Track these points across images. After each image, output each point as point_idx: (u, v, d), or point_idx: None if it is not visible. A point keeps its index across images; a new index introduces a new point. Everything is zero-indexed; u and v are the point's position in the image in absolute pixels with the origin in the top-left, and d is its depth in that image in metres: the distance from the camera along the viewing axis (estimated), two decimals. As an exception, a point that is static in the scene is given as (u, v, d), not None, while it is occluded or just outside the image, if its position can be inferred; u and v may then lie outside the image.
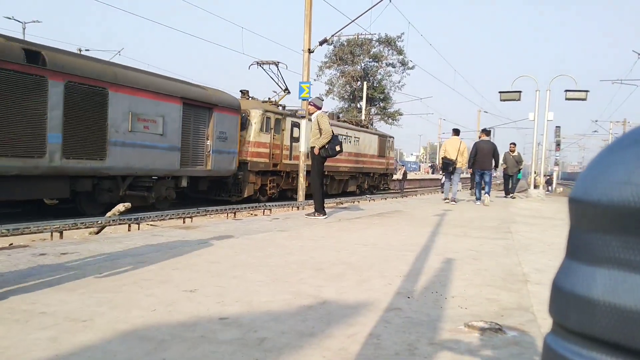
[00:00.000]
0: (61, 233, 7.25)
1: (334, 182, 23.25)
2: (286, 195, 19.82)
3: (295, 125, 19.47)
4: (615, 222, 0.50)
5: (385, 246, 5.35)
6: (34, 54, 10.10)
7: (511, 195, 18.11)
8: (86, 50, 25.73)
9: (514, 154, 18.20)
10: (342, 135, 23.31)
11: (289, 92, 20.26)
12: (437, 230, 6.90)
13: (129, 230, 8.89)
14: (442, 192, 16.54)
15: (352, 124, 26.48)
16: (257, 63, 19.42)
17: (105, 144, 11.74)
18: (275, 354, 2.10)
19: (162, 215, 10.79)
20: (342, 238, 5.87)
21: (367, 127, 27.92)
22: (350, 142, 24.14)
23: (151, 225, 10.07)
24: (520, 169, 18.89)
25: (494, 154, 13.14)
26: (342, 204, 13.81)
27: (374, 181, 27.56)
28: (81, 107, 11.08)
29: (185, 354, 2.05)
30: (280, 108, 19.70)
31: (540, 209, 12.78)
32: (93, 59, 12.59)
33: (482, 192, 13.15)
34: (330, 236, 5.99)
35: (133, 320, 2.45)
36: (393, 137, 29.83)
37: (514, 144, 18.43)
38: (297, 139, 19.42)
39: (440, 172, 15.94)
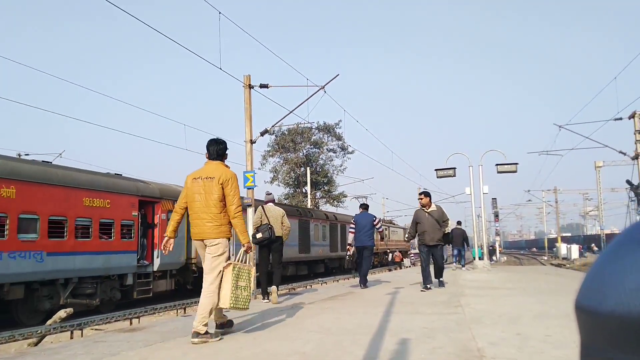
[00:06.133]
0: (-6, 347, 6.74)
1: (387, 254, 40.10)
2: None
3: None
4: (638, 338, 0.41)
5: (340, 330, 5.24)
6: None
7: (431, 284, 10.30)
8: (26, 154, 24.71)
9: (429, 210, 10.29)
10: (394, 229, 43.93)
11: None
12: (389, 310, 6.85)
13: (71, 337, 8.38)
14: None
15: (392, 224, 44.43)
16: None
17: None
18: None
19: (106, 318, 10.27)
20: (295, 325, 5.72)
21: (395, 224, 45.89)
22: (395, 233, 43.60)
23: (95, 329, 9.52)
24: (447, 233, 10.50)
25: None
26: (294, 289, 13.59)
27: (405, 254, 41.94)
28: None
29: None
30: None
31: (488, 280, 12.98)
32: None
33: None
34: (283, 324, 5.83)
35: None
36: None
37: (424, 194, 10.54)
38: None
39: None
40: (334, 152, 48.09)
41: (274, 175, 46.69)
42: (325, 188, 47.43)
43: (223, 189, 5.10)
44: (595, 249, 54.53)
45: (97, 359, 4.20)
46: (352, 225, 11.34)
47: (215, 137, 5.46)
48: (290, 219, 23.37)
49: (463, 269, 19.93)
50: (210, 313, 4.96)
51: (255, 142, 17.18)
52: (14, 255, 10.87)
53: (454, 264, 21.36)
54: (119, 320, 9.60)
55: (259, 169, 44.88)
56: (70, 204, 12.44)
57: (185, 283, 16.64)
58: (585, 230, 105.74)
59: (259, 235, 8.98)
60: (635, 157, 30.80)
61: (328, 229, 29.16)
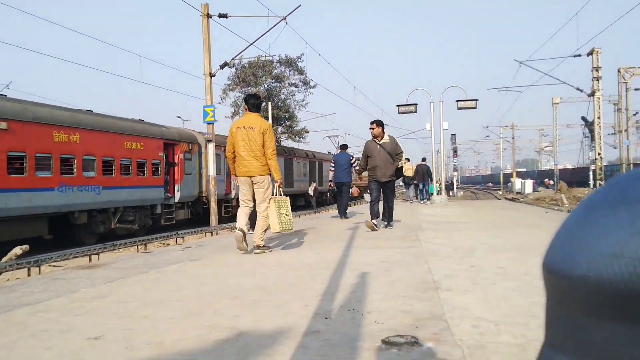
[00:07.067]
0: (-53, 286, 6.60)
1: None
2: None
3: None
4: (611, 306, 0.39)
5: (301, 265, 5.32)
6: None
7: (377, 223, 9.08)
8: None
9: (381, 142, 9.22)
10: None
11: None
12: (349, 245, 6.99)
13: (28, 275, 8.28)
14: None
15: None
16: None
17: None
18: (190, 397, 1.99)
19: (65, 255, 10.14)
20: (256, 261, 5.78)
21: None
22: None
23: (53, 266, 9.41)
24: (399, 168, 9.44)
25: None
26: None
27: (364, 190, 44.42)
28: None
29: (91, 410, 1.90)
30: None
31: (445, 214, 13.36)
32: None
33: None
34: (244, 261, 5.88)
35: (30, 379, 2.24)
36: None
37: (376, 124, 9.33)
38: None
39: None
40: (296, 87, 47.34)
41: (235, 110, 45.87)
42: (287, 123, 47.04)
43: (263, 136, 6.30)
44: (550, 183, 56.55)
45: (56, 296, 4.15)
46: (332, 165, 12.96)
47: (253, 93, 6.68)
48: (277, 156, 25.66)
49: (421, 203, 20.72)
50: (265, 231, 6.42)
51: (214, 76, 16.72)
52: (81, 189, 13.98)
53: (415, 198, 22.55)
54: (77, 256, 9.49)
55: (219, 103, 43.85)
56: (116, 147, 15.39)
57: (197, 214, 19.84)
58: (539, 166, 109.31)
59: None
60: (592, 94, 31.52)
61: (308, 166, 32.73)
